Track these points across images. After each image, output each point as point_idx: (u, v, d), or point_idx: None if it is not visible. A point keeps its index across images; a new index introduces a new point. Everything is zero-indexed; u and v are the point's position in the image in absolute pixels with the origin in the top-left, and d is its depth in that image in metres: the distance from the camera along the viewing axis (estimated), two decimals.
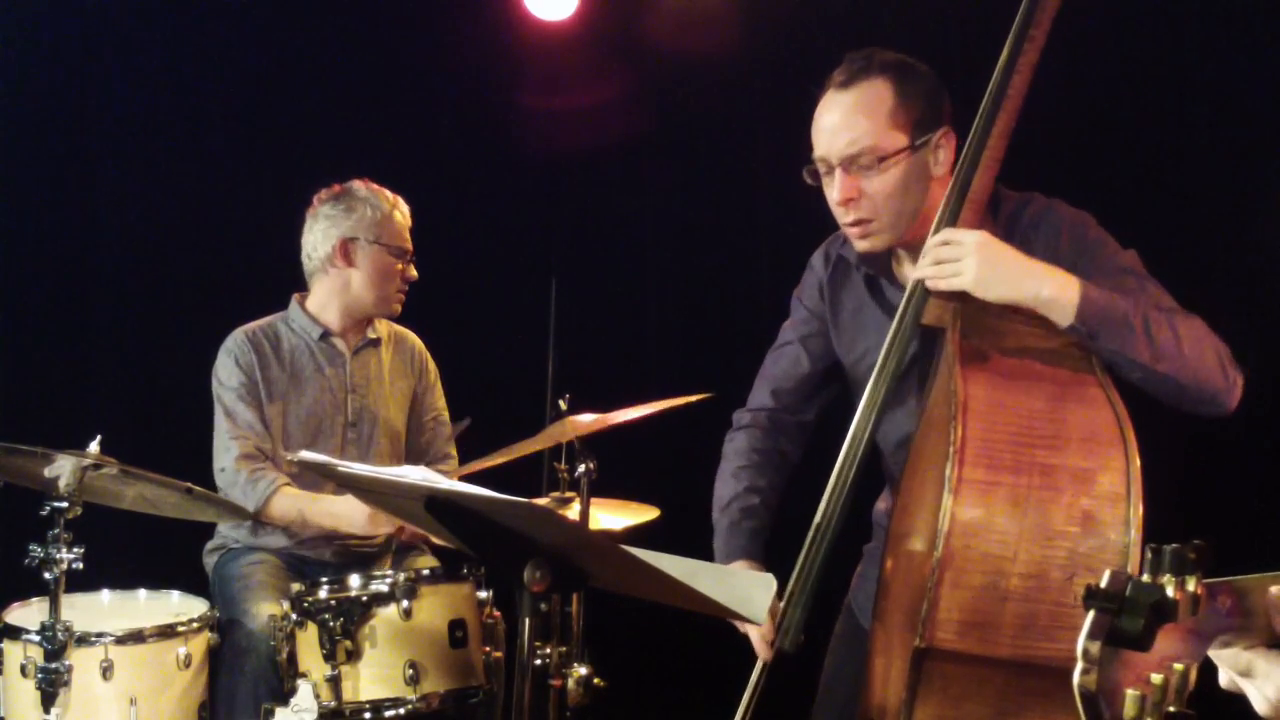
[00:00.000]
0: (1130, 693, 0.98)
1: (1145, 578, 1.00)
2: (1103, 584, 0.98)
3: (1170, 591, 0.99)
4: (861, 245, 2.27)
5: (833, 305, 2.46)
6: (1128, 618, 0.97)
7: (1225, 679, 1.17)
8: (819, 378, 2.52)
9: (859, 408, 2.20)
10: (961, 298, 2.08)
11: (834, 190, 2.23)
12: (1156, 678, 0.99)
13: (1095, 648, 0.97)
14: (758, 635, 2.29)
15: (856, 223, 2.23)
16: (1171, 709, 1.00)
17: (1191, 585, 1.02)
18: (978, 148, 2.13)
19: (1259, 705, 1.16)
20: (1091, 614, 0.98)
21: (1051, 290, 2.00)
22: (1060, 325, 2.00)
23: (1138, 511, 1.84)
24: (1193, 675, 1.04)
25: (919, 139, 2.20)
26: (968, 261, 2.04)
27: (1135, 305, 2.01)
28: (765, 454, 2.53)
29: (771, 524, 2.48)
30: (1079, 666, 0.98)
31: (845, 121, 2.20)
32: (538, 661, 2.98)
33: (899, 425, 2.29)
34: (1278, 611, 1.11)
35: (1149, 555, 1.01)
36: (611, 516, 3.19)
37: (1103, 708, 0.98)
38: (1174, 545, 1.01)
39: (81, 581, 2.82)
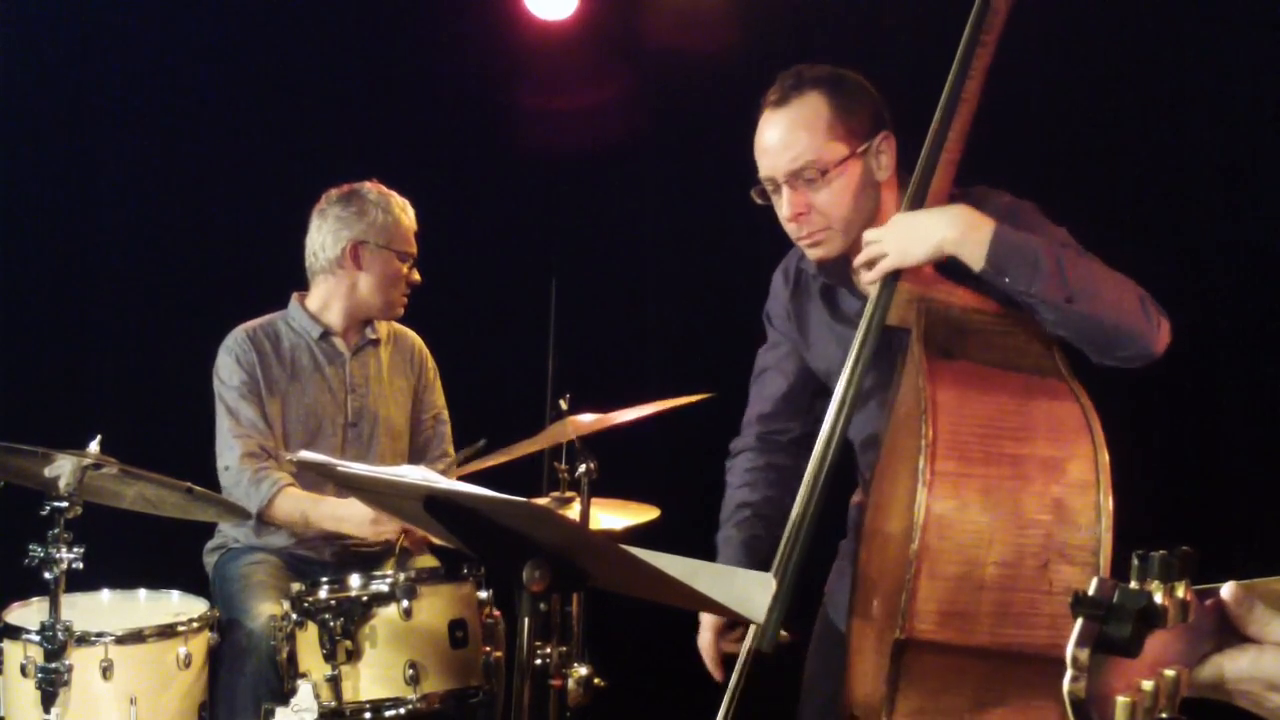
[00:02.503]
0: (1121, 700, 0.98)
1: (1133, 584, 1.00)
2: (1090, 591, 0.99)
3: (1159, 598, 0.99)
4: (814, 253, 2.31)
5: (799, 321, 2.49)
6: (1115, 624, 0.98)
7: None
8: (801, 394, 2.55)
9: (830, 409, 2.23)
10: (904, 279, 2.12)
11: (783, 207, 2.26)
12: (1147, 684, 0.99)
13: (1084, 655, 0.98)
14: (709, 636, 2.35)
15: (808, 235, 2.27)
16: (1164, 715, 1.00)
17: (1180, 591, 1.02)
18: (935, 149, 2.16)
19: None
20: (1079, 621, 0.98)
21: (959, 231, 2.04)
22: (975, 269, 2.03)
23: (1108, 501, 1.87)
24: (1185, 681, 1.04)
25: (859, 146, 2.23)
26: (887, 241, 2.11)
27: (1049, 246, 2.03)
28: (757, 472, 2.57)
29: (771, 532, 2.50)
30: (1068, 674, 0.98)
31: (785, 139, 2.24)
32: (538, 661, 2.97)
33: (868, 424, 2.32)
34: (1239, 604, 1.11)
35: (1135, 562, 1.02)
36: (611, 516, 3.19)
37: (1093, 715, 0.98)
38: (1161, 551, 1.02)
39: (81, 581, 2.82)
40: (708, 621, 2.45)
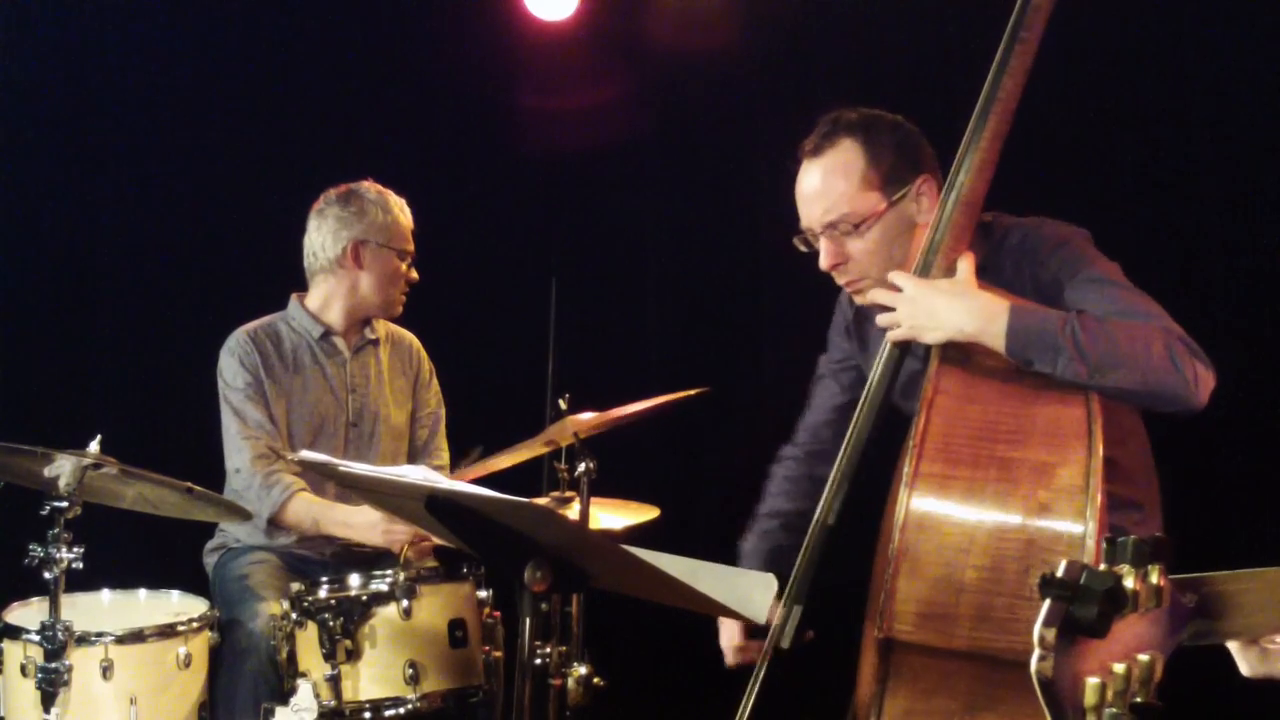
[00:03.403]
0: (1090, 681, 0.99)
1: (1102, 567, 1.01)
2: (1059, 573, 1.00)
3: (1130, 582, 1.00)
4: (858, 300, 2.33)
5: (860, 341, 2.52)
6: (1081, 605, 0.99)
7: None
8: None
9: (856, 411, 2.23)
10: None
11: (821, 257, 2.27)
12: (1119, 667, 1.00)
13: (1051, 635, 0.99)
14: (727, 639, 2.34)
15: (847, 283, 2.29)
16: (1138, 699, 1.01)
17: (1154, 577, 1.02)
18: (970, 151, 2.13)
19: None
20: (1047, 601, 0.99)
21: (978, 325, 2.01)
22: (1002, 355, 2.01)
23: (1095, 503, 1.85)
24: (1159, 667, 1.05)
25: (895, 194, 2.23)
26: (902, 313, 2.10)
27: (1064, 321, 1.99)
28: (796, 481, 2.60)
29: (796, 542, 2.50)
30: (1036, 653, 0.99)
31: (819, 190, 2.24)
32: (538, 661, 2.97)
33: None
34: None
35: (1105, 546, 1.02)
36: (611, 516, 3.19)
37: (1062, 695, 0.99)
38: (1132, 537, 1.02)
39: (81, 581, 2.82)
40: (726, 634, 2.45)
